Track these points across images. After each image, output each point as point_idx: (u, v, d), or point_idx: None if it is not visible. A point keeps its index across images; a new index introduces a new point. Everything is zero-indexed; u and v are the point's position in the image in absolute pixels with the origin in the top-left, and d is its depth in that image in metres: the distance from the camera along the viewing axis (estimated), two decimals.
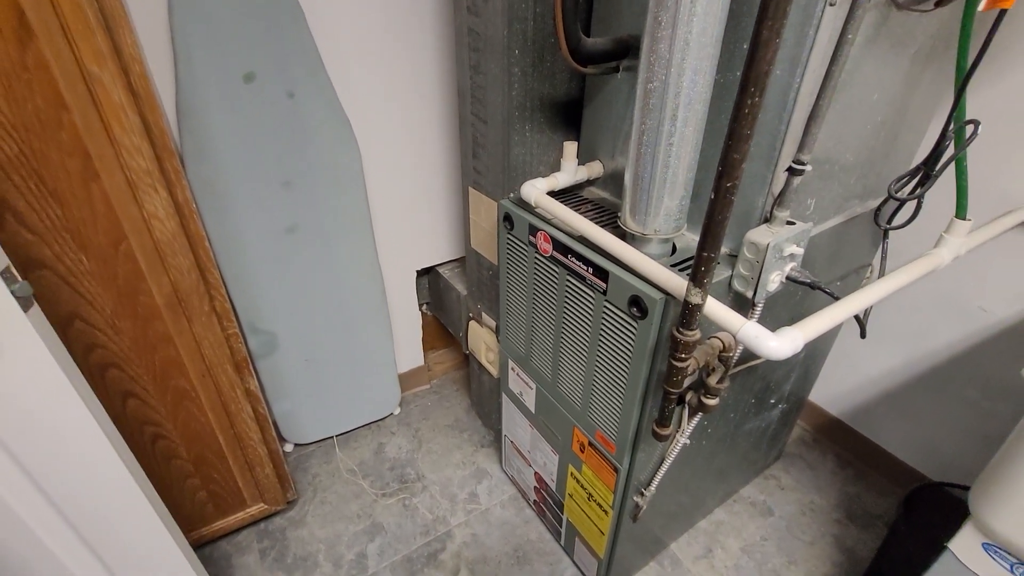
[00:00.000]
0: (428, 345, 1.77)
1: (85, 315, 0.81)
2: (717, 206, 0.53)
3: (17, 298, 0.60)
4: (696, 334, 0.64)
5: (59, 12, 0.63)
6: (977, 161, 1.02)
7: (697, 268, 0.58)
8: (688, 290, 0.60)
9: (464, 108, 1.15)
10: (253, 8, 0.98)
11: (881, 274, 0.81)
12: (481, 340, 1.40)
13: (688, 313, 0.62)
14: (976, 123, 0.69)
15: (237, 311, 1.21)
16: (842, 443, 1.54)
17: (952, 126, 0.71)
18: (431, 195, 1.44)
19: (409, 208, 1.42)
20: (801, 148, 0.66)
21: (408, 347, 1.69)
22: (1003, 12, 0.63)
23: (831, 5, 0.60)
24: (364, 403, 1.59)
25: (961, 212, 0.78)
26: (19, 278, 0.61)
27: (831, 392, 1.52)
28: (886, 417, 1.41)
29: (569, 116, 1.07)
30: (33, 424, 0.67)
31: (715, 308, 0.63)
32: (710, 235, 0.55)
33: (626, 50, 0.86)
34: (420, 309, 1.65)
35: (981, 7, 0.64)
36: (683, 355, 0.66)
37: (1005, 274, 1.08)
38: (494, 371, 1.40)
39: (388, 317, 1.48)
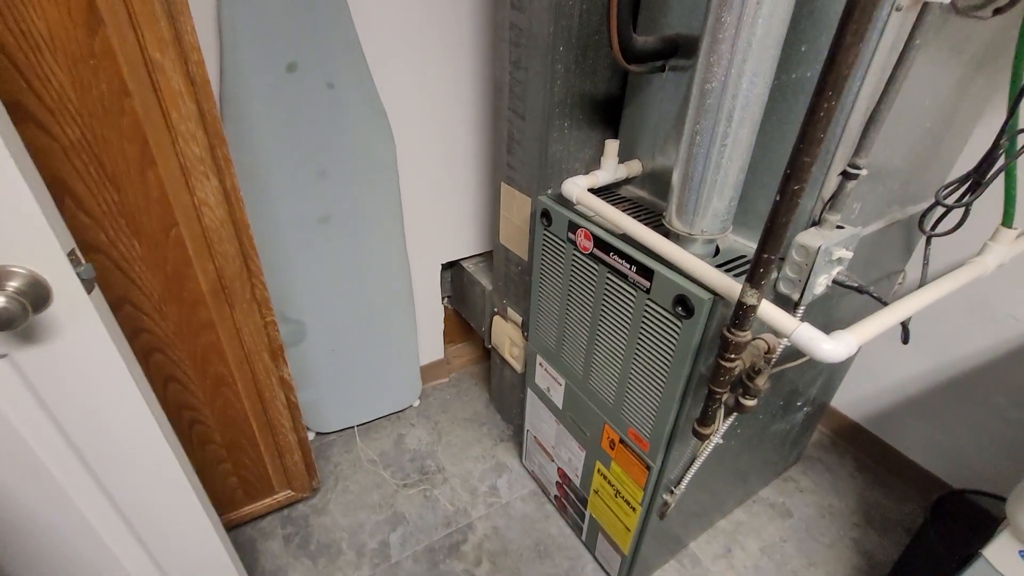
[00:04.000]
0: (447, 338, 1.78)
1: (134, 299, 0.82)
2: (782, 208, 0.54)
3: (82, 280, 0.61)
4: (748, 335, 0.64)
5: (128, 3, 0.64)
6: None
7: (755, 269, 0.59)
8: (744, 291, 0.61)
9: (500, 103, 1.15)
10: (301, 3, 0.98)
11: (923, 280, 0.81)
12: (505, 335, 1.41)
13: (742, 314, 0.62)
14: None
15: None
16: (861, 447, 1.54)
17: (1005, 135, 0.71)
18: (459, 189, 1.45)
19: (438, 201, 1.43)
20: (858, 152, 0.66)
21: (429, 340, 1.70)
22: None
23: (897, 10, 0.60)
24: (385, 394, 1.60)
25: (1008, 220, 0.78)
26: (83, 260, 0.62)
27: (852, 396, 1.52)
28: (907, 423, 1.41)
29: (607, 113, 1.08)
30: (88, 405, 0.68)
31: (769, 310, 0.64)
32: (772, 237, 0.56)
33: (675, 49, 0.86)
34: (442, 302, 1.66)
35: None
36: (733, 355, 0.66)
37: None
38: (518, 366, 1.41)
39: (413, 309, 1.49)
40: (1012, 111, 0.71)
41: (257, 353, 1.00)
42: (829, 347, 0.59)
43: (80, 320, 0.63)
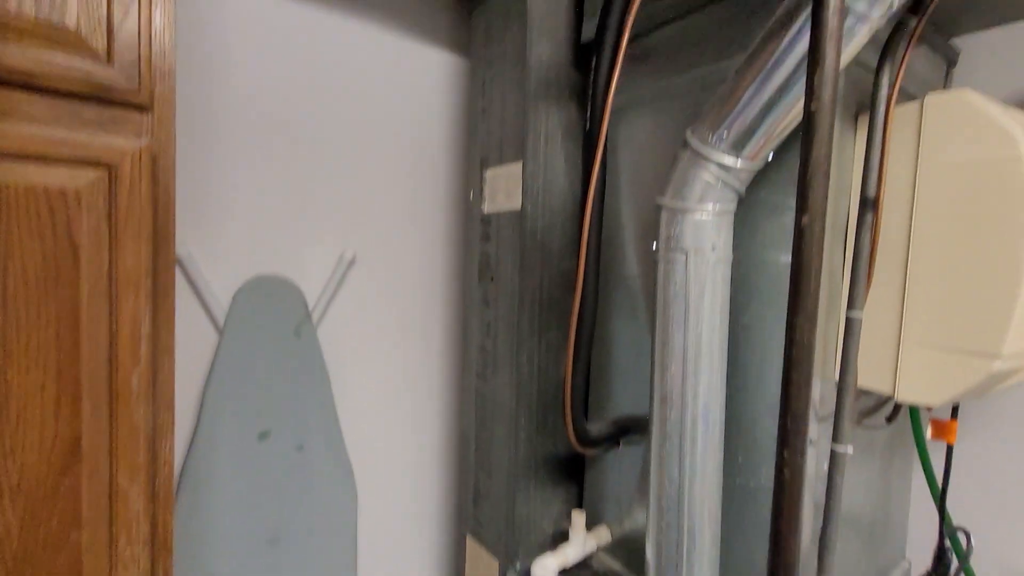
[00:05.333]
0: None
1: None
2: None
3: None
4: None
5: (114, 439, 0.68)
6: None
7: None
8: None
9: (467, 454, 1.18)
10: (286, 373, 1.08)
11: None
12: None
13: None
14: (967, 533, 0.74)
15: None
16: None
17: (946, 535, 0.75)
18: (422, 539, 1.36)
19: (397, 553, 1.32)
20: (820, 572, 0.68)
21: None
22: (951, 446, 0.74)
23: (811, 444, 0.70)
24: None
25: None
26: None
27: None
28: None
29: (571, 472, 1.11)
30: None
31: None
32: None
33: (625, 431, 0.95)
34: None
35: (928, 436, 0.76)
36: None
37: None
38: None
39: None
40: (942, 515, 0.76)
41: None
42: None
43: None
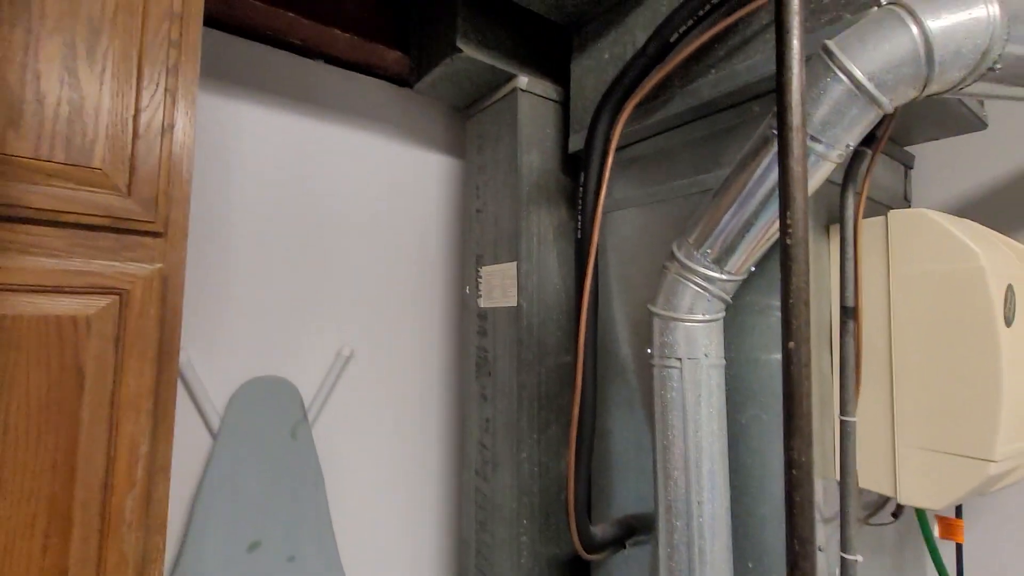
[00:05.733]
0: None
1: None
2: None
3: None
4: None
5: (101, 570, 0.65)
6: None
7: None
8: None
9: (467, 558, 1.13)
10: (280, 478, 1.05)
11: None
12: None
13: None
14: None
15: None
16: None
17: None
18: None
19: None
20: None
21: None
22: (960, 544, 0.73)
23: (820, 549, 0.69)
24: None
25: None
26: None
27: None
28: None
29: (576, 575, 1.07)
30: None
31: None
32: None
33: (631, 532, 0.92)
34: None
35: (936, 534, 0.75)
36: None
37: None
38: None
39: None
40: None
41: None
42: None
43: None
